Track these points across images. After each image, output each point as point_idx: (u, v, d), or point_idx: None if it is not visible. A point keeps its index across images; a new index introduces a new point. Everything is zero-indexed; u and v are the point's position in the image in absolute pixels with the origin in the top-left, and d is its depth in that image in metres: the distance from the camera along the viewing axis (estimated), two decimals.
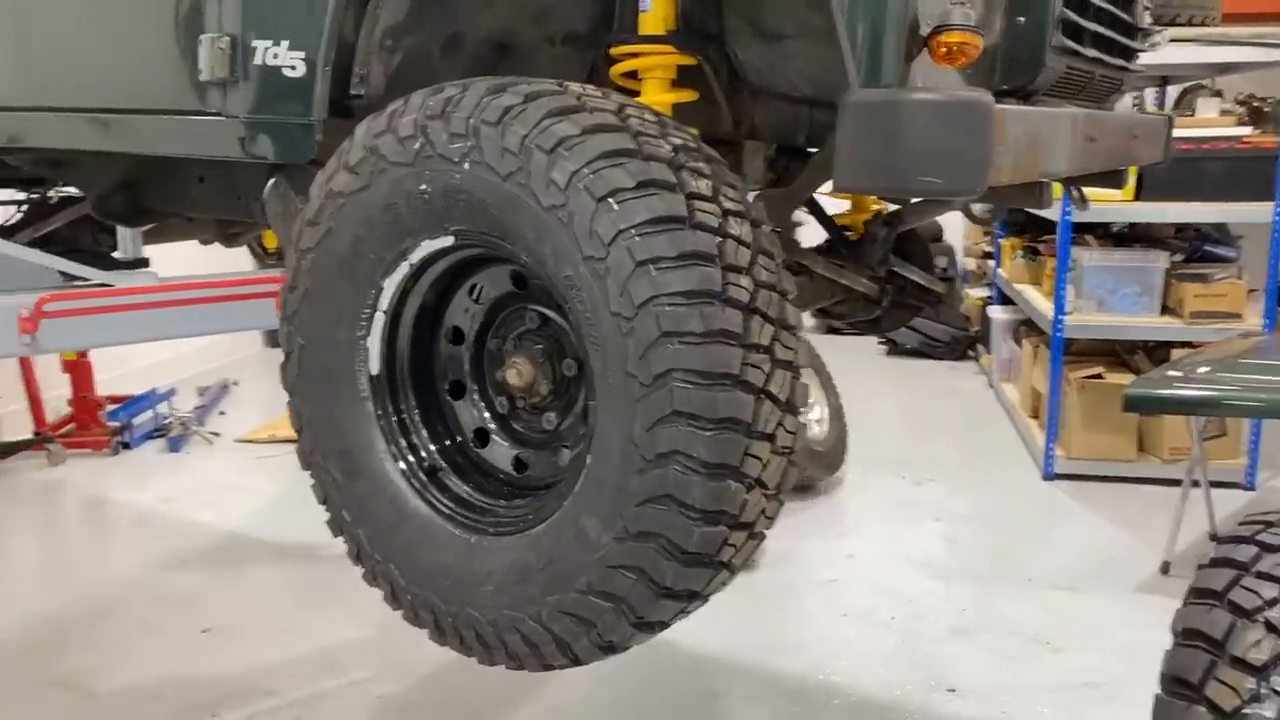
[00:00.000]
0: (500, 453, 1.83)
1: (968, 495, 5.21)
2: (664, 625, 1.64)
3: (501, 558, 1.65)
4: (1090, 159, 1.96)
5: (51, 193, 3.31)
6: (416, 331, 1.80)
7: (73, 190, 3.27)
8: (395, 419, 1.80)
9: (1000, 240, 7.15)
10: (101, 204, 2.99)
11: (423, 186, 1.60)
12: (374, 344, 1.77)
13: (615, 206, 1.44)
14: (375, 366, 1.78)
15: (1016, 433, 6.17)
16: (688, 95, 1.92)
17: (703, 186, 1.50)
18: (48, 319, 2.13)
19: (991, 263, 7.58)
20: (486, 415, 1.84)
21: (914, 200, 2.45)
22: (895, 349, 8.39)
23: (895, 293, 2.77)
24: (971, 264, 8.61)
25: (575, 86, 1.59)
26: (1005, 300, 7.01)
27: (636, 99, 1.81)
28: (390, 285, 1.73)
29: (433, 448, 1.81)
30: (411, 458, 1.79)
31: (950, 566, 4.36)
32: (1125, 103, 4.80)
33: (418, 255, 1.70)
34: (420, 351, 1.81)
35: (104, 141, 2.39)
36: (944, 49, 1.46)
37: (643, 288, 1.42)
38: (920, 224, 2.64)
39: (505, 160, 1.51)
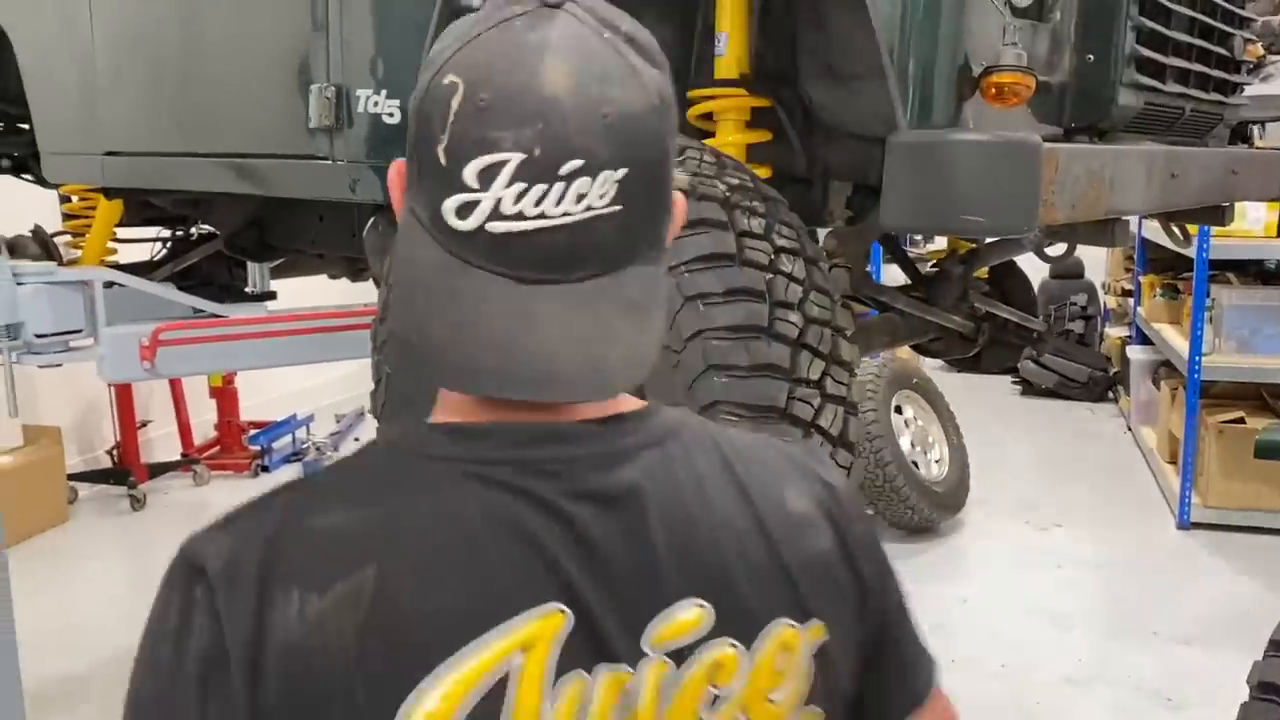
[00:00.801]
0: None
1: (1095, 542, 5.01)
2: None
3: None
4: (1176, 195, 1.92)
5: (191, 230, 3.58)
6: None
7: (210, 228, 3.53)
8: None
9: (1140, 277, 6.88)
10: (233, 241, 3.22)
11: None
12: None
13: None
14: None
15: (1153, 479, 5.90)
16: (761, 136, 1.97)
17: (755, 225, 1.55)
18: (164, 346, 2.33)
19: (1131, 300, 7.30)
20: None
21: (988, 240, 2.43)
22: (1030, 389, 8.13)
23: (994, 330, 2.74)
24: (1113, 301, 8.30)
25: None
26: (1144, 340, 6.74)
27: (706, 140, 1.88)
28: None
29: None
30: None
31: (1070, 615, 4.20)
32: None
33: None
34: None
35: (234, 184, 2.59)
36: (994, 89, 1.47)
37: (690, 322, 1.47)
38: (998, 260, 2.60)
39: None
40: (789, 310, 1.51)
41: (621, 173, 0.72)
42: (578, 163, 0.71)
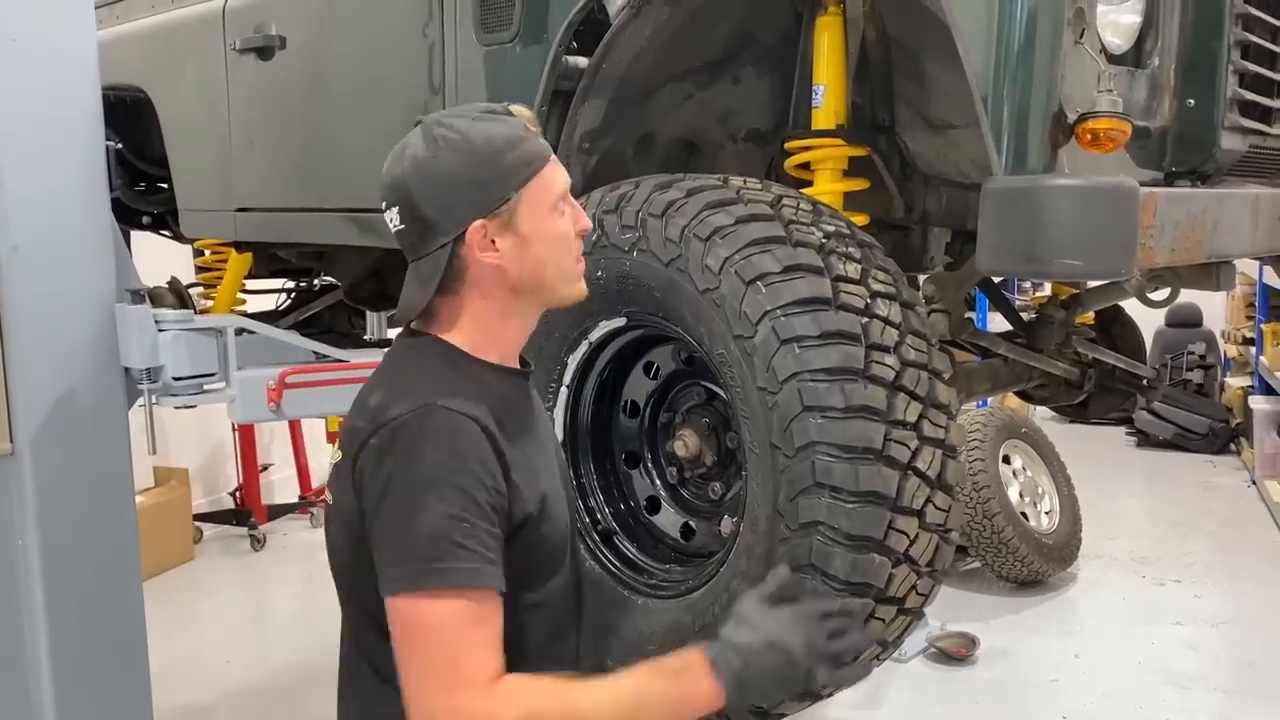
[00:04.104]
0: (669, 520, 1.94)
1: (1216, 599, 4.82)
2: (815, 696, 1.67)
3: (663, 619, 1.76)
4: None
5: (315, 282, 3.77)
6: (596, 405, 1.96)
7: (331, 280, 3.70)
8: (575, 484, 1.95)
9: (1262, 325, 6.65)
10: (353, 291, 3.38)
11: (599, 273, 1.77)
12: (558, 415, 1.93)
13: (762, 289, 1.54)
14: (559, 436, 1.94)
15: (1279, 534, 5.66)
16: (859, 184, 2.01)
17: (850, 270, 1.58)
18: (289, 389, 2.47)
19: (1253, 349, 7.04)
20: (658, 484, 1.96)
21: (1090, 285, 2.41)
22: (1146, 440, 7.88)
23: (1100, 377, 2.70)
24: (1233, 350, 8.01)
25: (736, 180, 1.72)
26: (1268, 390, 6.50)
27: (805, 189, 1.93)
28: (573, 362, 1.90)
29: (609, 512, 1.95)
30: (589, 520, 1.93)
31: (1188, 674, 4.05)
32: None
33: (596, 334, 1.86)
34: (599, 423, 1.97)
35: (356, 237, 2.72)
36: (1090, 135, 1.49)
37: (786, 364, 1.51)
38: (1101, 305, 2.57)
39: (667, 248, 1.65)
40: (885, 353, 1.53)
41: (394, 210, 1.37)
42: (382, 204, 1.39)
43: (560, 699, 1.24)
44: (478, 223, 1.34)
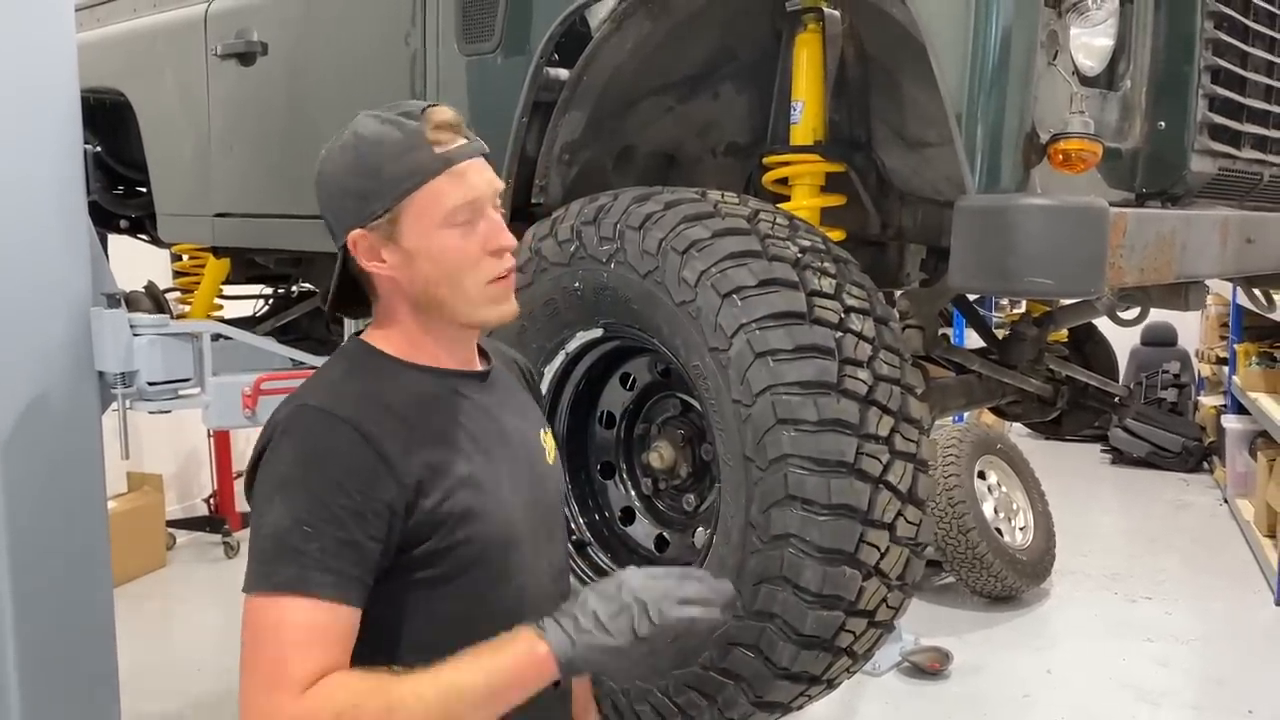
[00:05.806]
0: (643, 531, 1.95)
1: (1187, 616, 4.86)
2: (785, 708, 1.69)
3: None
4: (1253, 261, 1.92)
5: (292, 288, 3.76)
6: (572, 415, 1.97)
7: (310, 286, 3.70)
8: None
9: (1235, 345, 6.71)
10: None
11: (576, 284, 1.78)
12: None
13: (738, 302, 1.56)
14: None
15: (1250, 552, 5.70)
16: (835, 200, 2.03)
17: (825, 285, 1.60)
18: (264, 395, 2.47)
19: (1226, 368, 7.11)
20: (632, 495, 1.97)
21: (1063, 303, 2.44)
22: (1121, 458, 7.93)
23: (1073, 394, 2.73)
24: (1207, 369, 8.09)
25: (714, 194, 1.73)
26: (1240, 409, 6.55)
27: (782, 204, 1.94)
28: (550, 372, 1.91)
29: (582, 522, 1.95)
30: None
31: (1159, 690, 4.07)
32: None
33: (573, 345, 1.87)
34: (575, 434, 1.97)
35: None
36: (1062, 156, 1.51)
37: (760, 377, 1.52)
38: (1073, 323, 2.60)
39: (645, 260, 1.66)
40: (858, 368, 1.55)
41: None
42: None
43: (377, 691, 1.17)
44: (357, 232, 1.30)
